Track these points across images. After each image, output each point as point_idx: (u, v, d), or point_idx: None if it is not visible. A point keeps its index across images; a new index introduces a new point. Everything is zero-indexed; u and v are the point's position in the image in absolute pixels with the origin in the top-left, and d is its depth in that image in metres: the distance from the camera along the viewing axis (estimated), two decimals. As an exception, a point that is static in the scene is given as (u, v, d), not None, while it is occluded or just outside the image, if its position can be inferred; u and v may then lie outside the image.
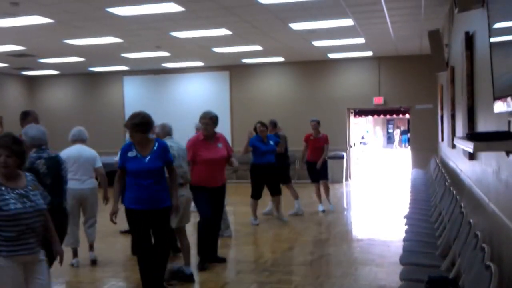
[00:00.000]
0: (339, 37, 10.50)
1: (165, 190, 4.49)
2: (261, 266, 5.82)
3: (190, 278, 5.13)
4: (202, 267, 5.53)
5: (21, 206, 3.05)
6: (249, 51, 11.94)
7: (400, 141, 33.85)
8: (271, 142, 7.95)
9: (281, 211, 8.21)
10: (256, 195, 8.04)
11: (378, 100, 13.58)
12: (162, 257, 4.60)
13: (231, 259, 6.17)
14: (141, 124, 4.39)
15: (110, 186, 5.94)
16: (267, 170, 7.88)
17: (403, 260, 3.99)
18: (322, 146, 8.94)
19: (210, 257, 5.72)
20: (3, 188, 3.07)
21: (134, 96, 15.15)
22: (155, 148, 4.45)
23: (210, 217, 5.65)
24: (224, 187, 5.90)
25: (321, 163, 8.92)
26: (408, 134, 32.63)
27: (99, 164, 5.81)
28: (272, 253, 6.47)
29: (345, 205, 10.54)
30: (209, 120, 5.66)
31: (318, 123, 9.02)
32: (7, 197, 3.03)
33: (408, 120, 18.65)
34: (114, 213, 4.51)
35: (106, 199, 5.83)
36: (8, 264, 3.02)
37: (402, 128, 34.19)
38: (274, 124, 9.10)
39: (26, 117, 4.92)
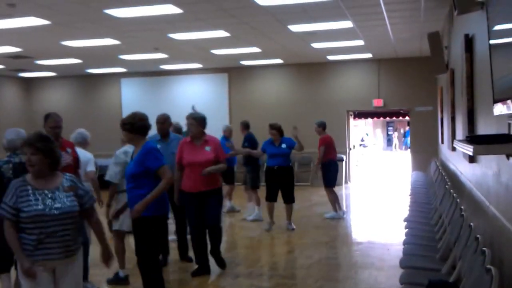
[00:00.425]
0: (339, 39, 10.48)
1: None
2: (260, 269, 5.79)
3: (124, 281, 5.19)
4: (194, 273, 5.48)
5: (43, 207, 2.91)
6: (247, 53, 11.91)
7: (402, 143, 33.58)
8: (283, 145, 7.71)
9: (290, 219, 7.86)
10: (268, 197, 7.82)
11: (377, 102, 13.55)
12: (140, 267, 4.35)
13: (229, 263, 6.12)
14: (126, 123, 4.26)
15: (102, 189, 5.94)
16: (276, 173, 7.68)
17: (403, 264, 3.96)
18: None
19: (213, 258, 5.67)
20: (29, 188, 2.96)
21: (131, 98, 15.11)
22: (139, 152, 4.23)
23: (197, 226, 5.47)
24: (213, 192, 5.43)
25: (316, 167, 8.78)
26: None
27: (90, 168, 5.70)
28: (271, 256, 6.43)
29: (344, 208, 10.49)
30: (192, 120, 5.39)
31: (318, 125, 8.86)
32: (31, 198, 2.93)
33: (408, 122, 18.64)
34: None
35: (100, 202, 5.82)
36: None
37: (402, 131, 34.05)
38: (245, 125, 9.05)
39: (47, 119, 4.87)
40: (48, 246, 2.93)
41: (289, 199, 7.81)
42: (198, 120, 5.38)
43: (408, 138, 32.49)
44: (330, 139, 8.79)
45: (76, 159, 5.00)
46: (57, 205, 2.95)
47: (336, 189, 8.96)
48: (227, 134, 9.19)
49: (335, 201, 8.80)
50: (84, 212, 3.13)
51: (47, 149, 2.99)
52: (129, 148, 5.39)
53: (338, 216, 8.74)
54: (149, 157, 4.16)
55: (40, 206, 2.91)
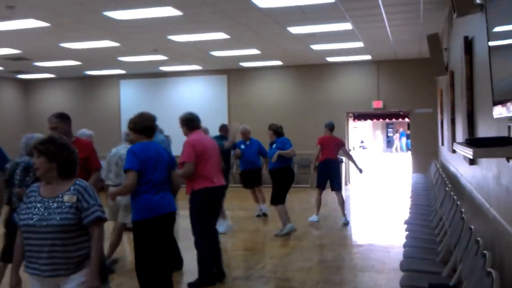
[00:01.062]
0: (338, 41, 10.48)
1: (134, 201, 4.20)
2: (258, 272, 5.75)
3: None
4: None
5: (31, 217, 2.69)
6: (247, 54, 11.91)
7: (400, 145, 33.38)
8: (273, 146, 7.55)
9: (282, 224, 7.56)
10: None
11: (377, 104, 13.55)
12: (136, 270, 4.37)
13: (227, 265, 6.09)
14: (131, 122, 4.34)
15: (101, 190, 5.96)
16: (270, 175, 7.59)
17: (404, 267, 3.93)
18: None
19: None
20: (34, 195, 2.77)
21: (130, 100, 15.10)
22: None
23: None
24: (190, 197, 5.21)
25: (313, 168, 8.63)
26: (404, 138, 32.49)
27: None
28: (270, 258, 6.40)
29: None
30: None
31: (325, 126, 8.73)
32: (31, 206, 2.73)
33: (408, 124, 18.64)
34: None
35: None
36: (32, 281, 2.74)
37: (400, 131, 33.92)
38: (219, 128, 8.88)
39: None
40: (38, 261, 2.67)
41: (276, 200, 7.45)
42: (180, 121, 5.25)
43: (403, 139, 32.56)
44: (321, 139, 8.52)
45: (83, 160, 4.85)
46: (45, 216, 2.67)
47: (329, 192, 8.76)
48: (244, 137, 8.83)
49: (317, 203, 8.56)
50: (87, 226, 2.74)
51: (49, 152, 2.74)
52: (114, 150, 5.82)
53: (315, 219, 8.51)
54: (125, 158, 4.23)
55: (33, 216, 2.69)
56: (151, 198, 4.15)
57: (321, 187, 8.54)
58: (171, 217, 4.34)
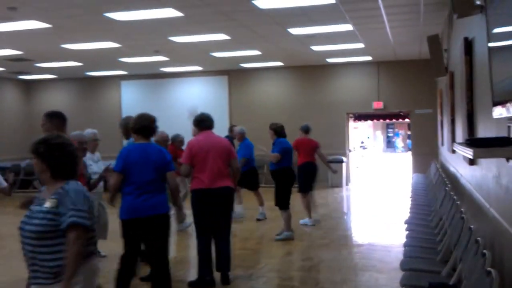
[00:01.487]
0: (338, 42, 10.50)
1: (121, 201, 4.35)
2: (259, 272, 5.78)
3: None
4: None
5: (22, 221, 2.59)
6: (247, 55, 11.93)
7: (406, 145, 33.18)
8: (272, 147, 7.53)
9: (287, 227, 7.38)
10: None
11: (377, 105, 13.59)
12: None
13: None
14: (132, 123, 4.49)
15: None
16: (272, 175, 7.54)
17: (404, 266, 3.96)
18: None
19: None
20: (37, 197, 2.70)
21: (131, 101, 15.13)
22: None
23: None
24: None
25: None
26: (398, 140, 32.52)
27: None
28: (270, 258, 6.42)
29: (345, 210, 10.49)
30: None
31: (300, 129, 8.45)
32: (32, 208, 2.65)
33: (408, 125, 18.65)
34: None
35: None
36: None
37: (403, 132, 33.81)
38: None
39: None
40: (29, 267, 2.57)
41: (276, 203, 7.39)
42: (192, 122, 5.39)
43: (399, 139, 32.55)
44: (297, 142, 8.29)
45: None
46: (26, 220, 2.56)
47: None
48: (238, 138, 8.83)
49: (306, 207, 8.35)
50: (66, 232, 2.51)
51: (38, 152, 2.59)
52: None
53: (309, 222, 8.33)
54: None
55: (23, 219, 2.60)
56: (132, 200, 4.21)
57: (304, 191, 8.30)
58: (156, 219, 4.25)
